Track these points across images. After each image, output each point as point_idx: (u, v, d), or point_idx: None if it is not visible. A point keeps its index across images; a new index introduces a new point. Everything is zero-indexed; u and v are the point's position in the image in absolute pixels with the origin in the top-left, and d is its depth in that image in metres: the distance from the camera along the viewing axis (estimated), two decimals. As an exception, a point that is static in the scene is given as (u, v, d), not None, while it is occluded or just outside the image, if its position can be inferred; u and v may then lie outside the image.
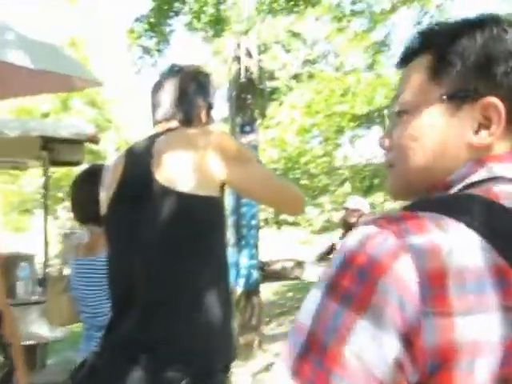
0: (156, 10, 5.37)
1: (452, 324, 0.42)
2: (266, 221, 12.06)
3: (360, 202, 4.56)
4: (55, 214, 9.84)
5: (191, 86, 1.40)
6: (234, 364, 1.34)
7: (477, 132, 0.54)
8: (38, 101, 10.86)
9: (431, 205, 0.50)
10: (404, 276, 0.43)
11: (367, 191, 7.81)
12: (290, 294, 8.10)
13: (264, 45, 14.00)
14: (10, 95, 3.22)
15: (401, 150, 0.60)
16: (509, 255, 0.45)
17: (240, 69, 5.04)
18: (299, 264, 8.32)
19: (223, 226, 1.32)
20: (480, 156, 0.54)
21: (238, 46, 5.09)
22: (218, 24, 5.14)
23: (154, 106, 1.40)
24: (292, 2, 5.21)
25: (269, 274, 8.64)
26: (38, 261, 3.88)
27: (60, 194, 9.51)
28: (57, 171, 8.73)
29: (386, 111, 7.75)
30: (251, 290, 4.80)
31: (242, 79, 5.05)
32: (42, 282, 3.53)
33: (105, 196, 1.36)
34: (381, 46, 9.43)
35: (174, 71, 1.42)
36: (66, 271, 2.00)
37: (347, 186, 8.11)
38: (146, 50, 5.92)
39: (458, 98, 0.55)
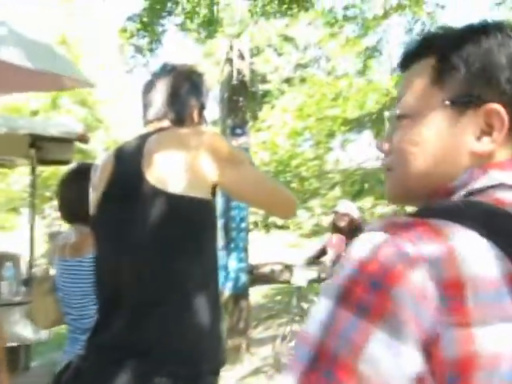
0: (149, 9, 5.34)
1: (471, 335, 0.41)
2: (255, 224, 12.05)
3: (350, 206, 4.58)
4: (43, 213, 9.73)
5: (184, 86, 1.38)
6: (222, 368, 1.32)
7: (479, 138, 0.54)
8: (27, 99, 10.75)
9: (439, 212, 0.49)
10: (421, 285, 0.41)
11: (357, 195, 7.84)
12: (278, 298, 8.09)
13: (256, 48, 14.05)
14: (1, 91, 3.19)
15: (401, 154, 0.59)
16: None
17: (232, 71, 5.02)
18: (288, 267, 8.31)
19: (214, 227, 1.30)
20: (482, 163, 0.54)
21: (231, 47, 5.07)
22: (210, 25, 5.13)
23: (146, 105, 1.38)
24: (285, 6, 5.21)
25: (257, 277, 8.62)
26: (24, 261, 3.82)
27: (48, 193, 9.41)
28: (45, 170, 8.64)
29: (382, 115, 7.79)
30: (239, 294, 4.78)
31: (234, 81, 5.03)
32: (27, 282, 3.47)
33: (93, 195, 1.34)
34: (373, 51, 9.51)
35: (167, 70, 1.40)
36: (52, 271, 1.96)
37: (337, 190, 8.13)
38: (138, 50, 5.88)
39: (461, 104, 0.55)
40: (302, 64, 17.35)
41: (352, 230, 4.36)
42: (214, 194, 1.25)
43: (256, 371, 4.43)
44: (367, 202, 8.13)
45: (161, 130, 1.28)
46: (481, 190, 0.52)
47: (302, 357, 0.43)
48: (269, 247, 11.64)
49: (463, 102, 0.55)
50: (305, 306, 4.59)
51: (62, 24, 12.54)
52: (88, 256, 1.73)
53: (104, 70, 13.59)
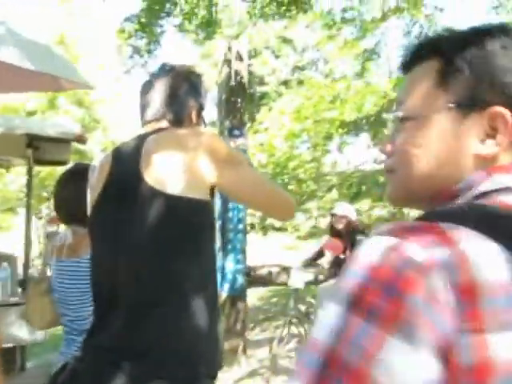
0: (147, 10, 5.33)
1: (485, 341, 0.40)
2: (252, 226, 12.04)
3: (347, 208, 4.59)
4: (39, 213, 9.70)
5: (183, 86, 1.37)
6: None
7: (483, 141, 0.54)
8: (24, 99, 10.71)
9: (446, 215, 0.48)
10: (435, 291, 0.40)
11: (354, 198, 7.84)
12: (275, 300, 8.09)
13: (254, 50, 14.06)
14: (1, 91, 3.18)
15: (404, 156, 0.59)
16: None
17: (230, 72, 5.02)
18: (285, 269, 8.32)
19: (212, 228, 1.29)
20: (486, 166, 0.53)
21: (229, 49, 5.07)
22: (209, 26, 5.12)
23: (144, 105, 1.37)
24: (284, 8, 5.22)
25: (255, 279, 8.62)
26: (21, 261, 3.80)
27: (45, 194, 9.38)
28: (42, 170, 8.61)
29: (379, 117, 7.80)
30: (236, 295, 4.77)
31: (232, 83, 5.03)
32: (23, 283, 3.45)
33: (91, 196, 1.33)
34: (371, 54, 9.53)
35: (165, 71, 1.40)
36: (49, 272, 1.95)
37: (334, 193, 8.14)
38: (136, 50, 5.87)
39: (465, 106, 0.55)
40: (300, 66, 17.37)
41: (350, 232, 4.36)
42: (212, 194, 1.25)
43: (253, 373, 4.41)
44: (364, 204, 8.14)
45: (159, 130, 1.27)
46: (485, 194, 0.51)
47: (311, 363, 0.42)
48: (266, 249, 11.64)
49: (467, 105, 0.54)
50: (302, 308, 4.58)
51: (60, 24, 12.52)
52: (85, 257, 1.72)
53: (102, 71, 13.57)
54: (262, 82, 17.59)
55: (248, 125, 5.84)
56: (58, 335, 3.23)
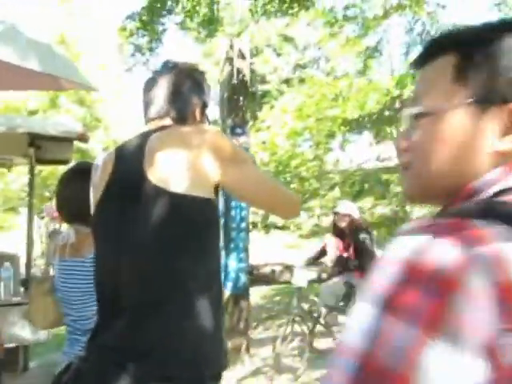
0: (148, 8, 5.31)
1: None
2: (254, 224, 12.04)
3: (350, 206, 4.57)
4: (41, 213, 9.70)
5: (186, 83, 1.36)
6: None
7: (502, 137, 0.53)
8: (26, 98, 10.72)
9: (475, 212, 0.46)
10: (477, 291, 0.39)
11: (356, 196, 7.82)
12: (278, 298, 8.08)
13: (256, 48, 14.05)
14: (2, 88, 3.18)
15: (420, 153, 0.58)
16: None
17: (232, 70, 5.00)
18: (288, 268, 8.31)
19: (217, 226, 1.28)
20: (504, 162, 0.52)
21: (231, 47, 5.05)
22: (211, 24, 5.11)
23: (147, 103, 1.36)
24: (286, 5, 5.19)
25: (258, 277, 8.61)
26: (23, 261, 3.79)
27: (47, 193, 9.38)
28: (44, 169, 8.61)
29: (382, 115, 7.77)
30: (239, 294, 4.75)
31: (234, 81, 5.01)
32: (25, 282, 3.45)
33: (94, 195, 1.31)
34: (373, 51, 9.50)
35: (169, 68, 1.39)
36: (51, 272, 1.93)
37: (337, 191, 8.12)
38: (138, 48, 5.86)
39: (484, 102, 0.53)
40: (301, 64, 17.36)
41: (353, 231, 4.35)
42: (216, 192, 1.23)
43: (256, 372, 4.41)
44: (367, 202, 8.12)
45: (162, 128, 1.26)
46: (505, 191, 0.50)
47: (346, 369, 0.41)
48: (268, 248, 11.64)
49: (486, 100, 0.53)
50: (305, 306, 4.58)
51: (61, 23, 12.51)
52: (88, 256, 1.71)
53: (103, 70, 13.57)
54: (263, 81, 17.61)
55: (250, 123, 5.82)
56: (60, 335, 3.22)
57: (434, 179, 0.57)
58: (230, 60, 5.05)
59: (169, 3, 5.38)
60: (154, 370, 1.09)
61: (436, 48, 0.60)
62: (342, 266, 4.46)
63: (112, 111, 13.46)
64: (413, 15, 8.72)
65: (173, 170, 1.15)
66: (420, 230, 0.44)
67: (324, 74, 11.76)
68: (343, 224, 4.40)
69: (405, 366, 0.38)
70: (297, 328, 4.43)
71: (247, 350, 4.47)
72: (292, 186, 7.47)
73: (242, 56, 5.07)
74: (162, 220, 1.14)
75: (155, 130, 1.25)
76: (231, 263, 4.71)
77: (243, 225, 4.87)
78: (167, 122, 1.31)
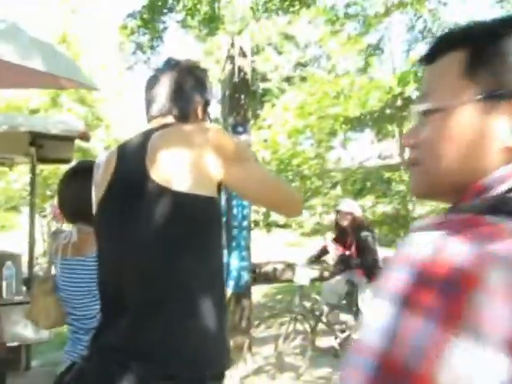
0: (149, 6, 5.30)
1: None
2: (256, 223, 12.03)
3: (352, 204, 4.56)
4: (43, 212, 9.70)
5: (188, 81, 1.35)
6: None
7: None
8: (27, 97, 10.71)
9: (489, 208, 0.46)
10: (496, 285, 0.38)
11: (358, 194, 7.81)
12: (279, 297, 8.07)
13: (256, 46, 14.02)
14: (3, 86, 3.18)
15: (430, 149, 0.57)
16: None
17: (233, 68, 4.99)
18: (290, 266, 8.31)
19: (220, 225, 1.27)
20: None
21: (232, 45, 5.03)
22: (211, 22, 5.09)
23: (149, 101, 1.35)
24: (287, 2, 5.18)
25: (259, 276, 8.61)
26: (25, 260, 3.79)
27: (48, 192, 9.37)
28: (45, 169, 8.60)
29: (383, 113, 7.75)
30: (241, 293, 4.75)
31: (236, 79, 4.99)
32: (28, 281, 3.45)
33: (96, 194, 1.30)
34: (374, 49, 9.48)
35: (171, 65, 1.38)
36: (53, 271, 1.93)
37: (338, 189, 8.11)
38: (139, 47, 5.84)
39: (494, 98, 0.53)
40: (302, 63, 17.34)
41: (355, 229, 4.34)
42: (219, 191, 1.22)
43: (258, 370, 4.40)
44: (368, 200, 8.11)
45: (165, 126, 1.25)
46: None
47: (364, 367, 0.40)
48: (270, 246, 11.63)
49: (496, 96, 0.53)
50: (307, 304, 4.57)
51: (62, 22, 12.50)
52: (90, 255, 1.70)
53: (104, 68, 13.56)
54: (264, 79, 17.59)
55: (251, 121, 5.81)
56: (63, 334, 3.22)
57: (443, 176, 0.57)
58: (231, 58, 5.03)
59: (170, 1, 5.37)
60: (157, 370, 1.09)
61: (444, 44, 0.59)
62: (344, 264, 4.45)
63: (113, 110, 13.45)
64: (414, 12, 8.69)
65: (175, 169, 1.14)
66: (434, 227, 0.43)
67: (325, 72, 11.73)
68: (345, 222, 4.39)
69: (426, 364, 0.37)
70: (299, 326, 4.42)
71: (249, 348, 4.47)
72: (294, 184, 7.46)
73: (243, 54, 5.05)
74: (165, 219, 1.13)
75: (157, 129, 1.24)
76: (233, 262, 4.70)
77: (245, 223, 4.86)
78: (169, 120, 1.30)
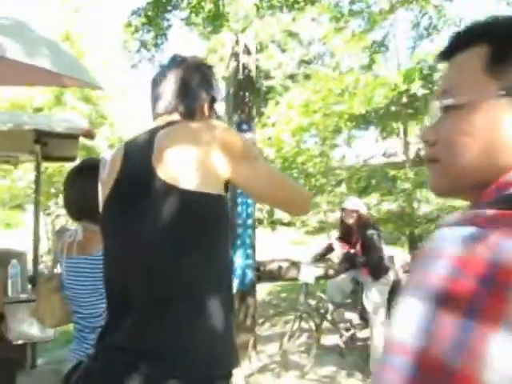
0: (153, 3, 5.28)
1: None
2: (260, 221, 12.03)
3: (357, 202, 4.53)
4: (48, 209, 9.72)
5: (194, 78, 1.34)
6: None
7: None
8: (31, 95, 10.73)
9: None
10: None
11: (363, 192, 7.78)
12: (284, 295, 8.07)
13: (260, 44, 14.00)
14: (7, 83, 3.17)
15: (451, 146, 0.56)
16: None
17: (238, 65, 4.97)
18: (295, 264, 8.30)
19: (227, 223, 1.25)
20: None
21: (237, 42, 5.01)
22: (216, 20, 5.07)
23: (155, 98, 1.34)
24: (292, 0, 5.16)
25: (264, 274, 8.59)
26: (30, 258, 3.80)
27: (53, 190, 9.40)
28: (50, 166, 8.62)
29: (388, 110, 7.70)
30: (246, 291, 4.74)
31: (240, 76, 4.98)
32: (33, 279, 3.45)
33: (102, 192, 1.29)
34: (379, 46, 9.43)
35: (177, 62, 1.36)
36: (58, 269, 1.92)
37: (343, 187, 8.08)
38: (143, 44, 5.83)
39: None
40: (306, 60, 17.30)
41: (360, 227, 4.31)
42: (226, 189, 1.21)
43: (263, 369, 4.40)
44: (373, 198, 8.07)
45: (171, 123, 1.24)
46: None
47: (400, 367, 0.39)
48: (274, 244, 11.63)
49: None
50: (312, 302, 4.56)
51: (65, 20, 12.51)
52: (95, 254, 1.70)
53: (108, 66, 13.57)
54: (268, 76, 17.56)
55: (256, 119, 5.79)
56: (68, 332, 3.23)
57: (464, 172, 0.56)
58: (235, 55, 5.01)
59: (174, -2, 5.36)
60: (164, 370, 1.07)
61: (464, 40, 0.58)
62: (349, 262, 4.43)
63: (117, 108, 13.46)
64: (419, 9, 8.64)
65: (182, 167, 1.13)
66: (466, 222, 0.42)
67: (329, 69, 11.70)
68: (351, 220, 4.37)
69: (467, 362, 0.36)
70: (304, 324, 4.42)
71: (254, 346, 4.46)
72: (299, 182, 7.44)
73: (247, 51, 5.03)
74: (172, 217, 1.12)
75: (163, 126, 1.23)
76: (238, 260, 4.70)
77: (250, 221, 4.85)
78: (175, 117, 1.29)
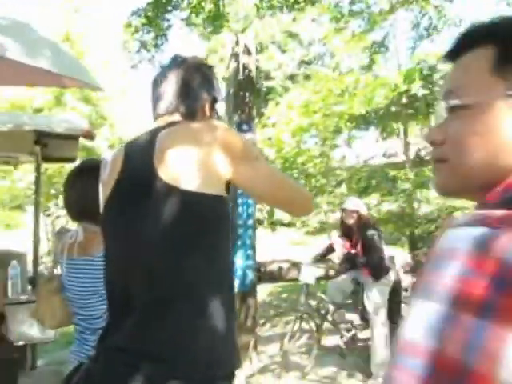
0: (154, 4, 5.28)
1: None
2: (260, 221, 12.02)
3: (358, 203, 4.53)
4: (48, 210, 9.71)
5: (195, 78, 1.33)
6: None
7: None
8: (31, 96, 10.73)
9: None
10: None
11: (363, 192, 7.77)
12: (284, 296, 8.06)
13: (260, 44, 14.00)
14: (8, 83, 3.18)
15: (458, 146, 0.56)
16: None
17: (238, 66, 4.96)
18: (295, 265, 8.29)
19: (228, 224, 1.25)
20: None
21: (237, 42, 5.01)
22: (216, 20, 5.07)
23: (156, 98, 1.34)
24: (292, 0, 5.15)
25: (265, 275, 8.60)
26: (29, 259, 3.79)
27: (53, 191, 9.39)
28: (49, 167, 8.62)
29: (389, 110, 7.70)
30: (247, 291, 4.73)
31: (240, 77, 4.97)
32: (33, 280, 3.44)
33: (103, 192, 1.29)
34: (379, 46, 9.43)
35: (177, 62, 1.36)
36: (58, 270, 1.92)
37: (343, 187, 8.08)
38: (143, 45, 5.83)
39: None
40: (306, 61, 17.31)
41: (360, 227, 4.31)
42: (227, 190, 1.21)
43: (264, 369, 4.39)
44: (373, 198, 8.07)
45: (172, 124, 1.24)
46: None
47: (416, 368, 0.39)
48: (274, 245, 11.62)
49: None
50: (313, 303, 4.55)
51: (64, 21, 12.51)
52: (96, 255, 1.69)
53: (108, 67, 13.57)
54: (268, 77, 17.57)
55: (256, 119, 5.79)
56: (68, 333, 3.22)
57: (472, 172, 0.56)
58: (235, 56, 5.01)
59: (174, -2, 5.35)
60: (166, 370, 1.07)
61: (469, 40, 0.58)
62: (349, 262, 4.42)
63: (117, 108, 13.45)
64: (419, 9, 8.64)
65: (183, 167, 1.12)
66: (477, 223, 0.42)
67: (329, 70, 11.71)
68: (351, 221, 4.36)
69: (483, 361, 0.36)
70: (304, 325, 4.41)
71: (255, 347, 4.45)
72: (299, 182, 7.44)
73: (247, 52, 5.03)
74: (173, 218, 1.11)
75: (164, 127, 1.22)
76: (238, 261, 4.69)
77: (250, 222, 4.84)
78: (176, 117, 1.29)
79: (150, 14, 5.39)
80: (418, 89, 6.91)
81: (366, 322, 4.44)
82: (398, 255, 5.49)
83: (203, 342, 1.10)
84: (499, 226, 0.41)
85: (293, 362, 4.42)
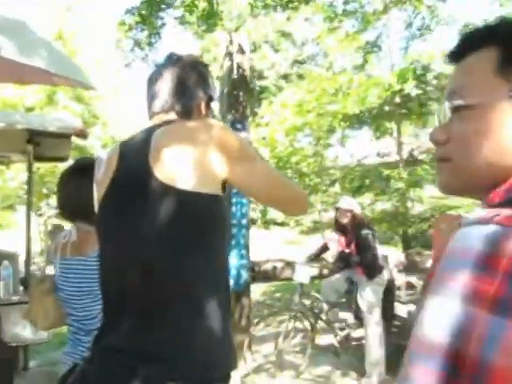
0: (147, 2, 5.26)
1: None
2: (253, 220, 12.02)
3: (352, 202, 4.54)
4: (40, 210, 9.65)
5: (191, 77, 1.32)
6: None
7: None
8: (23, 95, 10.65)
9: None
10: None
11: (356, 191, 7.79)
12: (279, 295, 8.06)
13: (253, 44, 13.99)
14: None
15: (462, 146, 0.57)
16: None
17: (232, 65, 4.95)
18: (289, 264, 8.30)
19: (224, 223, 1.24)
20: None
21: (231, 41, 5.00)
22: (210, 19, 5.05)
23: (151, 97, 1.32)
24: (286, -1, 5.16)
25: (259, 274, 8.59)
26: (22, 259, 3.76)
27: (45, 191, 9.32)
28: (41, 167, 8.56)
29: (382, 110, 7.72)
30: (241, 291, 4.72)
31: (234, 76, 4.96)
32: (25, 281, 3.41)
33: (98, 192, 1.27)
34: (372, 46, 9.46)
35: (173, 61, 1.35)
36: (50, 270, 1.89)
37: (337, 187, 8.10)
38: (137, 43, 5.81)
39: None
40: (299, 60, 17.33)
41: (355, 227, 4.31)
42: (223, 189, 1.20)
43: (258, 369, 4.39)
44: (367, 198, 8.09)
45: (167, 122, 1.22)
46: None
47: (435, 366, 0.39)
48: (268, 244, 11.62)
49: None
50: (307, 302, 4.55)
51: (59, 18, 12.43)
52: (90, 255, 1.67)
53: (101, 65, 13.51)
54: (261, 76, 17.56)
55: (250, 119, 5.78)
56: (62, 334, 3.19)
57: (475, 172, 0.56)
58: (229, 55, 4.99)
59: (168, -3, 5.33)
60: (163, 371, 1.06)
61: (474, 41, 0.59)
62: (343, 262, 4.43)
63: (110, 107, 13.38)
64: (413, 9, 8.68)
65: (179, 167, 1.11)
66: (487, 221, 0.43)
67: (323, 69, 11.73)
68: (345, 220, 4.37)
69: (502, 357, 0.36)
70: (298, 324, 4.41)
71: (249, 346, 4.45)
72: (292, 181, 7.41)
73: (241, 51, 5.01)
74: (169, 217, 1.10)
75: (160, 125, 1.21)
76: (232, 260, 4.67)
77: (244, 221, 4.83)
78: (172, 116, 1.28)
79: (143, 12, 5.37)
80: (411, 88, 6.93)
81: (359, 320, 4.44)
82: (391, 254, 5.51)
83: (201, 343, 1.09)
84: (509, 225, 0.41)
85: (287, 362, 4.42)
